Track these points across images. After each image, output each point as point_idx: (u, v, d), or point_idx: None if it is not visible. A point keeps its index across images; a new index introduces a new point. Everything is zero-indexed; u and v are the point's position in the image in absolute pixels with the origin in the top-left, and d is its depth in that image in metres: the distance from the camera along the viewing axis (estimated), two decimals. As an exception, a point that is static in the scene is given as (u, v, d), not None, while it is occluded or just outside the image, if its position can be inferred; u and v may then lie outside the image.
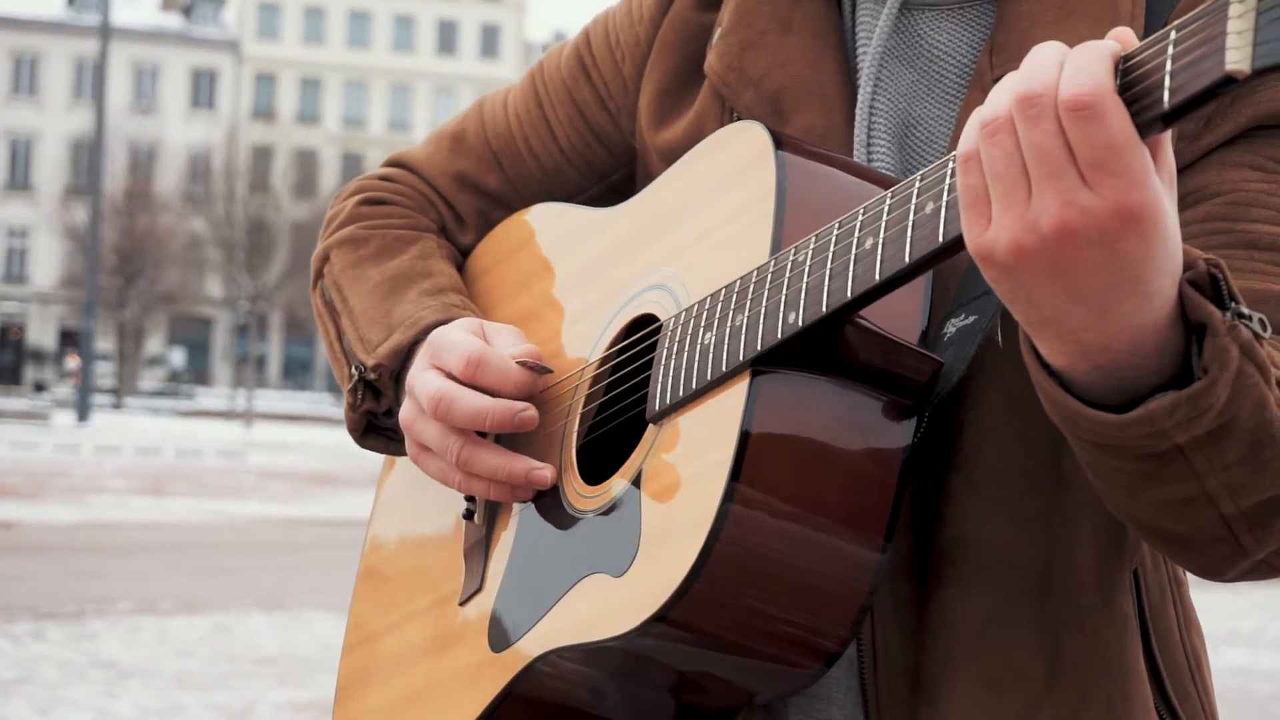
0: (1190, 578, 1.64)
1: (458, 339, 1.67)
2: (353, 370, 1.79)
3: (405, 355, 1.74)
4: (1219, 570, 1.40)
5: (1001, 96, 1.22)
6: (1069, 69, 1.18)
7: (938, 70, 1.63)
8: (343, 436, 48.48)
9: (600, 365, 1.66)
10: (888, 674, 1.53)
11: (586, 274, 1.75)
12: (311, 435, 47.31)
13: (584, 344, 1.70)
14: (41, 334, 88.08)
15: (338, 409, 71.76)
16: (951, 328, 1.46)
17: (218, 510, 21.00)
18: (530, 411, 1.65)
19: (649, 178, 1.76)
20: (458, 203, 1.96)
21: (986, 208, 1.23)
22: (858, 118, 1.62)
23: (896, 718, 1.52)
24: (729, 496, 1.38)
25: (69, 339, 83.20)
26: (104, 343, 75.47)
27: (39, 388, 74.10)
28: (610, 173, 1.88)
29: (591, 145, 1.88)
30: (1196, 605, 1.70)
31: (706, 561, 1.38)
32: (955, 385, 1.45)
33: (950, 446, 1.53)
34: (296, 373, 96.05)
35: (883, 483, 1.42)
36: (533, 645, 1.58)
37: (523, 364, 1.66)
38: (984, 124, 1.22)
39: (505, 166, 1.93)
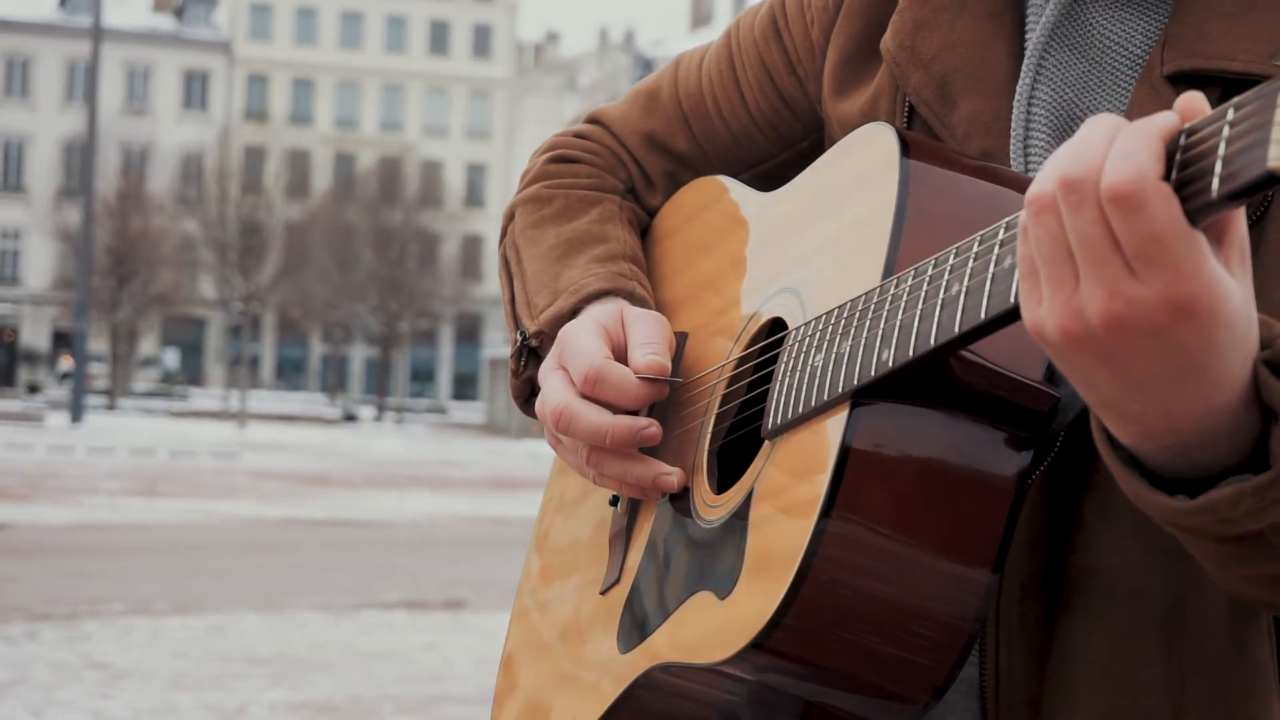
0: None
1: (583, 345, 1.63)
2: (517, 335, 1.76)
3: (566, 322, 1.71)
4: None
5: (1049, 174, 1.15)
6: (1114, 153, 1.11)
7: (1108, 61, 1.53)
8: (336, 436, 48.50)
9: (736, 367, 1.62)
10: (1009, 701, 1.46)
11: (739, 261, 1.70)
12: (305, 436, 47.29)
13: (728, 337, 1.65)
14: (34, 336, 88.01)
15: (332, 409, 71.81)
16: None
17: (211, 511, 20.98)
18: (653, 429, 1.61)
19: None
20: (647, 163, 1.91)
21: (1039, 283, 1.17)
22: (1015, 107, 1.54)
23: None
24: (821, 529, 1.34)
25: (62, 340, 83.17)
26: (97, 344, 75.39)
27: (32, 389, 74.02)
28: (798, 140, 1.81)
29: (779, 110, 1.82)
30: None
31: (799, 592, 1.35)
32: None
33: (1087, 469, 1.45)
34: (290, 373, 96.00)
35: (992, 516, 1.36)
36: (647, 656, 1.56)
37: (644, 378, 1.62)
38: (1030, 202, 1.16)
39: (694, 128, 1.88)
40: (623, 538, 1.71)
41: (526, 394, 1.79)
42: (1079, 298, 1.14)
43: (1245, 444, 1.21)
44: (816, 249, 1.55)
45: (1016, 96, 1.54)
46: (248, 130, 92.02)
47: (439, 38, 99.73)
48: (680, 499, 1.62)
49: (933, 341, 1.29)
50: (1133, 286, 1.11)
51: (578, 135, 1.97)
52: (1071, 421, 1.42)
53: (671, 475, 1.60)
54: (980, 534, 1.36)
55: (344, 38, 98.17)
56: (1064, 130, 1.53)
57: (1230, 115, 1.05)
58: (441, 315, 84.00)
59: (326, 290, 72.70)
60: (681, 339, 1.73)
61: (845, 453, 1.35)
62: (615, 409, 1.62)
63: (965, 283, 1.27)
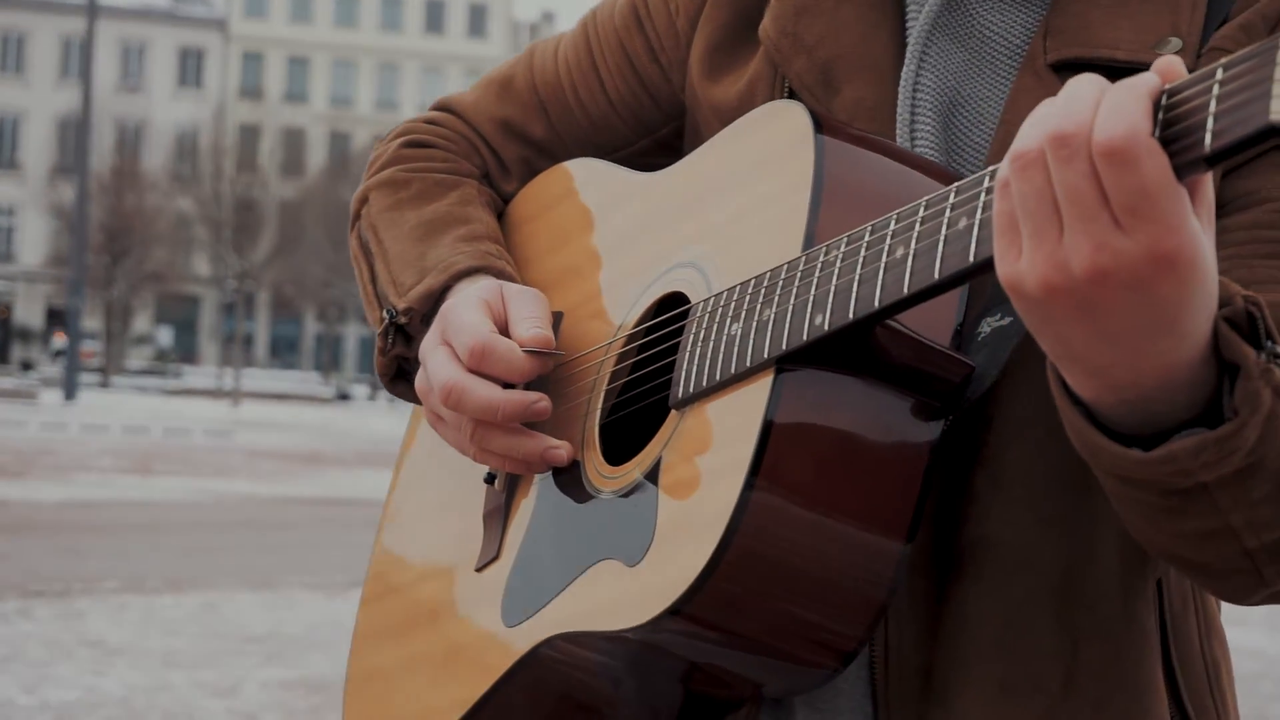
0: None
1: (467, 320, 1.63)
2: (384, 314, 1.76)
3: (437, 300, 1.71)
4: (1238, 598, 1.37)
5: (1034, 130, 1.17)
6: (1104, 109, 1.13)
7: (989, 51, 1.57)
8: (330, 415, 48.49)
9: (627, 343, 1.62)
10: (899, 671, 1.49)
11: (622, 239, 1.71)
12: (299, 414, 47.28)
13: (614, 314, 1.66)
14: (28, 313, 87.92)
15: (325, 388, 71.77)
16: (986, 327, 1.41)
17: (205, 489, 20.97)
18: (544, 403, 1.62)
19: (698, 133, 1.72)
20: (502, 150, 1.92)
21: (1018, 238, 1.19)
22: (901, 94, 1.57)
23: (906, 716, 1.49)
24: (748, 493, 1.35)
25: (56, 318, 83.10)
26: (91, 321, 75.32)
27: (26, 366, 73.96)
28: (658, 128, 1.82)
29: (640, 98, 1.83)
30: None
31: (723, 557, 1.36)
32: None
33: (978, 442, 1.48)
34: (284, 351, 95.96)
35: (907, 483, 1.39)
36: (542, 627, 1.56)
37: (530, 352, 1.62)
38: (1015, 158, 1.18)
39: (551, 115, 1.89)
40: (500, 514, 1.71)
41: (393, 372, 1.78)
42: (1063, 251, 1.16)
43: (1200, 399, 1.24)
44: (720, 224, 1.56)
45: (901, 83, 1.57)
46: (243, 108, 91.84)
47: (434, 17, 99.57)
48: (566, 473, 1.62)
49: (876, 303, 1.31)
50: (1119, 239, 1.13)
51: (429, 122, 1.96)
52: (964, 404, 1.43)
53: (560, 448, 1.61)
54: (896, 503, 1.39)
55: (339, 16, 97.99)
56: (949, 116, 1.56)
57: (1220, 75, 1.08)
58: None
59: (321, 269, 72.63)
60: (556, 319, 1.72)
61: (772, 415, 1.36)
62: (502, 383, 1.62)
63: (913, 246, 1.29)
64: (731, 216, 1.55)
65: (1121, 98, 1.13)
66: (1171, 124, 1.11)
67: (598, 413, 1.62)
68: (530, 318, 1.65)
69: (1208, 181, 1.16)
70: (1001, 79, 1.57)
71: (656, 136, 1.83)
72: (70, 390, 45.22)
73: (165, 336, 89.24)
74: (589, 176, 1.81)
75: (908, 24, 1.61)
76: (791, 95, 1.63)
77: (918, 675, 1.49)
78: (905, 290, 1.29)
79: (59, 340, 75.97)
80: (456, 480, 1.82)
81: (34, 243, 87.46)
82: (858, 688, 1.52)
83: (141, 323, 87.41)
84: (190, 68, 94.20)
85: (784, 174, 1.47)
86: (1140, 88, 1.13)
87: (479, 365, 1.61)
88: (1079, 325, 1.19)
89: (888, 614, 1.47)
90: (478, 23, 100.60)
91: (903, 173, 1.46)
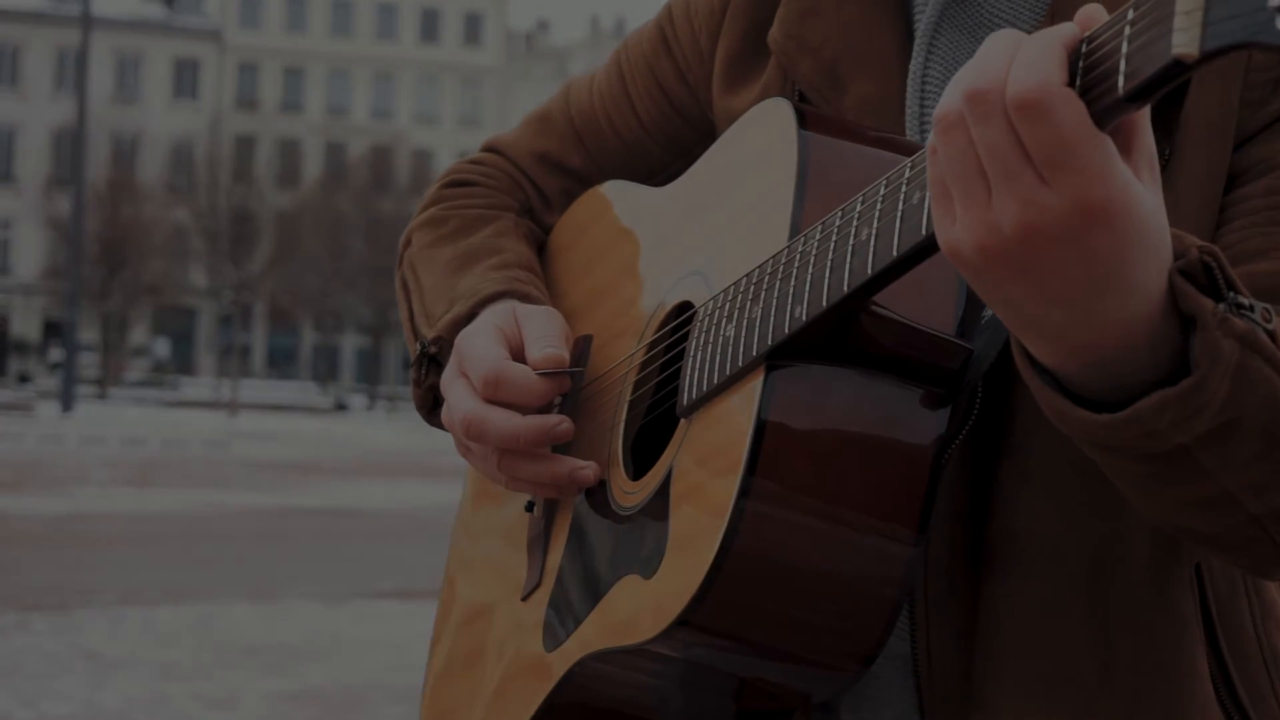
0: None
1: (479, 351, 1.62)
2: (417, 345, 1.76)
3: (464, 327, 1.70)
4: (1265, 570, 1.34)
5: (954, 90, 1.15)
6: (1016, 64, 1.12)
7: None
8: (328, 425, 48.49)
9: (645, 356, 1.61)
10: (942, 674, 1.45)
11: (639, 256, 1.71)
12: (297, 425, 47.27)
13: (636, 329, 1.65)
14: (25, 325, 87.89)
15: (323, 398, 71.77)
16: (989, 310, 1.38)
17: (203, 500, 20.96)
18: (565, 425, 1.60)
19: None
20: (542, 182, 1.92)
21: (952, 204, 1.17)
22: (909, 87, 1.55)
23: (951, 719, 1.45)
24: (743, 495, 1.33)
25: (53, 330, 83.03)
26: (88, 333, 75.32)
27: (23, 379, 73.95)
28: (691, 146, 1.81)
29: (671, 119, 1.83)
30: None
31: (724, 564, 1.34)
32: (1010, 369, 1.38)
33: (1002, 433, 1.45)
34: (281, 362, 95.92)
35: (912, 475, 1.36)
36: (575, 648, 1.55)
37: (544, 373, 1.61)
38: (937, 120, 1.16)
39: (588, 145, 1.90)
40: (541, 541, 1.70)
41: (430, 403, 1.77)
42: (993, 211, 1.14)
43: (1164, 358, 1.21)
44: (719, 228, 1.55)
45: (910, 77, 1.56)
46: (238, 119, 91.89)
47: (430, 25, 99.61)
48: (597, 493, 1.61)
49: (845, 288, 1.29)
50: (1045, 194, 1.12)
51: (473, 162, 1.98)
52: (986, 387, 1.41)
53: (587, 469, 1.60)
54: (901, 497, 1.36)
55: (334, 26, 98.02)
56: None
57: (1130, 15, 1.06)
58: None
59: (318, 279, 72.66)
60: (586, 342, 1.72)
61: (763, 413, 1.34)
62: (522, 409, 1.61)
63: (875, 225, 1.27)
64: (727, 219, 1.54)
65: (1033, 50, 1.11)
66: (1090, 70, 1.09)
67: (621, 429, 1.61)
68: (543, 338, 1.64)
69: (1141, 130, 1.14)
70: None
71: (691, 157, 1.82)
72: (67, 402, 45.23)
73: (162, 348, 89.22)
74: (615, 198, 1.81)
75: (915, 17, 1.60)
76: (802, 98, 1.62)
77: (958, 677, 1.45)
78: (869, 271, 1.27)
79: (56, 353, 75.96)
80: (504, 510, 1.82)
81: (30, 255, 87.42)
82: (903, 694, 1.49)
83: (138, 334, 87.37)
84: (185, 79, 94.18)
85: (771, 171, 1.46)
86: (1054, 37, 1.11)
87: (494, 394, 1.60)
88: (1020, 287, 1.17)
89: (928, 615, 1.45)
90: (473, 31, 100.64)
91: (893, 160, 1.44)
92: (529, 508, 1.72)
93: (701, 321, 1.49)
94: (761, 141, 1.51)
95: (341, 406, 67.09)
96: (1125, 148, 1.14)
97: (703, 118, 1.80)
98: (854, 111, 1.57)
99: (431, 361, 1.74)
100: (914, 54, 1.56)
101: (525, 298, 1.73)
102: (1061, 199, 1.11)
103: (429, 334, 1.74)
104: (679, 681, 1.48)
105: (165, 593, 12.78)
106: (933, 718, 1.45)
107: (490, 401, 1.61)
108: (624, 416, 1.61)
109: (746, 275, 1.43)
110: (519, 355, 1.64)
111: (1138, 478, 1.27)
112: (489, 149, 2.00)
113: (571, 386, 1.68)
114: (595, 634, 1.52)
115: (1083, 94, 1.10)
